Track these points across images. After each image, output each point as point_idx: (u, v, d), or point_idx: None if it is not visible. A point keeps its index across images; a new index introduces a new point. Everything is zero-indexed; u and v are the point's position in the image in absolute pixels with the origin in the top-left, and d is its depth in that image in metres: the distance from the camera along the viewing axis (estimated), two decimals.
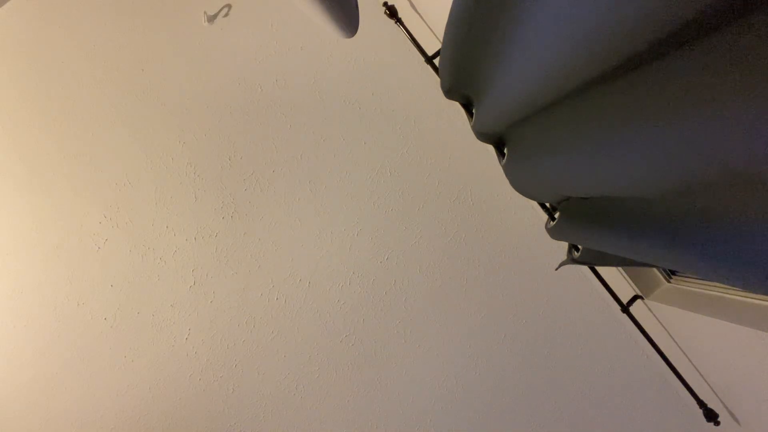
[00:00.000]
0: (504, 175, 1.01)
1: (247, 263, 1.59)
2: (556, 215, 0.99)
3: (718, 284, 1.12)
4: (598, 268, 1.28)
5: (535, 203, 1.50)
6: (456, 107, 1.60)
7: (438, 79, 1.00)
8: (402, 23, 1.35)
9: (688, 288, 1.25)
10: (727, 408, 1.27)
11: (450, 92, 0.97)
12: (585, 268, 1.48)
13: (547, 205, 1.09)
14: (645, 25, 0.33)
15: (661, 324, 1.37)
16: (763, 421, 1.14)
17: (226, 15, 1.62)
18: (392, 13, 1.33)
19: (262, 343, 1.59)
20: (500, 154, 0.99)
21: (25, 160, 1.59)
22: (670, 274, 1.36)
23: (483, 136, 0.97)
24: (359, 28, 0.88)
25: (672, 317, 1.30)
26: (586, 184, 0.62)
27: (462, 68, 0.83)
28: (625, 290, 1.40)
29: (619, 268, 1.38)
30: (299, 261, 1.60)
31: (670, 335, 1.35)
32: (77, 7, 1.61)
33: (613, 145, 0.50)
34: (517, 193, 1.04)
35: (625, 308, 1.27)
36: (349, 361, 1.60)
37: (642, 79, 0.41)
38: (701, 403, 1.22)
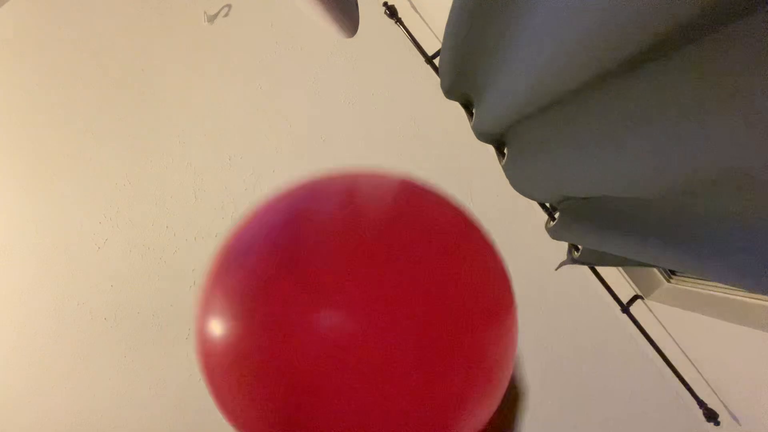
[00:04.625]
0: (504, 175, 1.01)
1: None
2: (556, 215, 0.99)
3: (718, 284, 1.12)
4: (598, 268, 1.28)
5: (535, 203, 1.50)
6: (456, 107, 1.60)
7: (438, 79, 1.01)
8: (402, 23, 1.35)
9: (688, 288, 1.25)
10: (727, 408, 1.27)
11: (450, 92, 0.97)
12: (585, 268, 1.48)
13: (547, 205, 1.09)
14: (645, 25, 0.33)
15: (661, 324, 1.36)
16: (763, 421, 1.14)
17: (226, 15, 1.62)
18: (392, 13, 1.33)
19: None
20: (500, 154, 0.99)
21: (25, 160, 1.58)
22: (670, 274, 1.36)
23: (483, 136, 0.97)
24: (359, 28, 0.88)
25: (672, 317, 1.30)
26: (586, 184, 0.62)
27: (462, 68, 0.83)
28: (625, 290, 1.39)
29: (619, 268, 1.38)
30: None
31: (670, 335, 1.35)
32: (76, 7, 1.61)
33: (614, 145, 0.50)
34: (517, 193, 1.04)
35: (625, 308, 1.27)
36: None
37: (642, 79, 0.41)
38: (701, 403, 1.22)
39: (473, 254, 0.34)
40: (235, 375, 0.27)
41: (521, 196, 1.02)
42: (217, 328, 0.28)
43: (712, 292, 1.14)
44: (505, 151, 0.96)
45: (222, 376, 0.28)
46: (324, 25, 0.82)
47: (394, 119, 1.62)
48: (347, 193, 0.34)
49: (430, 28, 1.45)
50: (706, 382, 1.29)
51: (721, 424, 1.22)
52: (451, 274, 0.30)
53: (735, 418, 1.25)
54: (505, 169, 0.97)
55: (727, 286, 1.09)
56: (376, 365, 0.25)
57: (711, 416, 1.20)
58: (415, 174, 0.34)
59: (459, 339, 0.28)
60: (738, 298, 1.04)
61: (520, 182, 0.93)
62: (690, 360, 1.31)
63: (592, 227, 0.74)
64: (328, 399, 0.25)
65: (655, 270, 1.38)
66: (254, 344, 0.26)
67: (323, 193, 0.34)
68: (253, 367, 0.26)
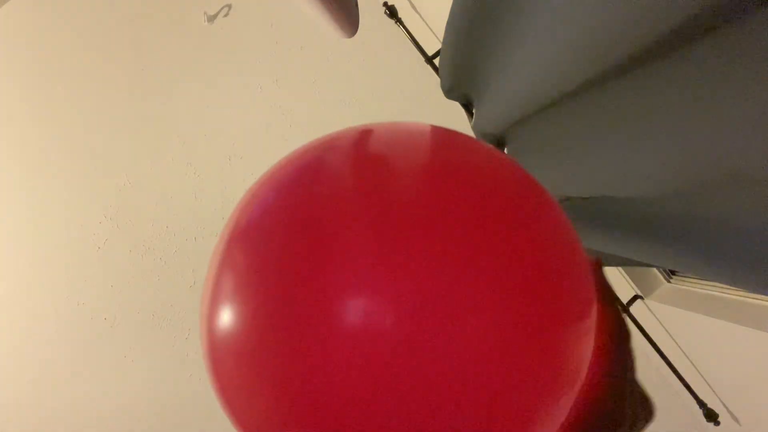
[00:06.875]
0: None
1: None
2: None
3: (718, 284, 1.12)
4: None
5: None
6: (456, 107, 1.60)
7: (438, 79, 1.00)
8: (402, 23, 1.34)
9: (688, 288, 1.25)
10: (727, 408, 1.27)
11: (450, 92, 0.97)
12: None
13: None
14: (646, 24, 0.33)
15: (661, 324, 1.36)
16: (763, 421, 1.14)
17: (226, 15, 1.62)
18: (392, 13, 1.33)
19: None
20: None
21: (25, 160, 1.58)
22: (670, 274, 1.36)
23: (483, 135, 0.97)
24: (359, 28, 0.88)
25: (672, 317, 1.30)
26: (587, 184, 0.62)
27: (462, 68, 0.83)
28: (625, 290, 1.39)
29: (619, 268, 1.38)
30: None
31: (670, 335, 1.35)
32: (76, 7, 1.61)
33: (614, 145, 0.50)
34: None
35: (625, 308, 1.26)
36: None
37: (643, 79, 0.41)
38: (701, 403, 1.21)
39: (546, 222, 0.23)
40: (241, 370, 0.20)
41: None
42: (223, 315, 0.21)
43: (712, 292, 1.14)
44: (506, 151, 0.96)
45: (227, 371, 0.21)
46: (324, 25, 0.82)
47: (394, 119, 1.62)
48: (377, 147, 0.26)
49: (430, 28, 1.45)
50: (706, 382, 1.29)
51: (721, 424, 1.22)
52: (525, 245, 0.21)
53: (735, 418, 1.25)
54: None
55: (727, 286, 1.09)
56: (427, 372, 0.17)
57: (711, 416, 1.20)
58: None
59: (542, 337, 0.19)
60: (738, 298, 1.04)
61: None
62: (690, 360, 1.31)
63: (593, 227, 0.74)
64: (355, 413, 0.18)
65: (655, 270, 1.38)
66: (263, 334, 0.19)
67: (345, 148, 0.26)
68: (261, 362, 0.19)
